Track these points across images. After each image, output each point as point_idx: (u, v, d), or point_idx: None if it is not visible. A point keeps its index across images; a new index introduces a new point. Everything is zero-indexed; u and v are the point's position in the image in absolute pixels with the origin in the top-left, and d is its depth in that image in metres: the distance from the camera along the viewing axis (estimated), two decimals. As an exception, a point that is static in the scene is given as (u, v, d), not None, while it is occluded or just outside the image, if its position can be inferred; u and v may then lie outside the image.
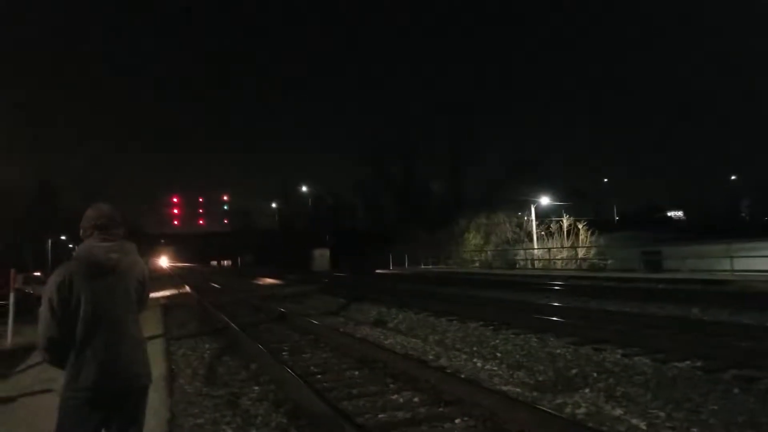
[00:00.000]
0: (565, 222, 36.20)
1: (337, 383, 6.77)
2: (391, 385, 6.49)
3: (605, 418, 5.15)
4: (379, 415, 5.39)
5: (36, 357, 8.39)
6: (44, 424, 2.95)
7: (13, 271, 11.67)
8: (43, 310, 2.54)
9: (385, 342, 9.68)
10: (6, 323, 11.39)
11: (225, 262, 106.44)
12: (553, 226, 36.94)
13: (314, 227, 63.89)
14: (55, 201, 51.48)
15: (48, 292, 2.55)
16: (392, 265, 43.82)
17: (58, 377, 2.62)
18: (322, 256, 53.53)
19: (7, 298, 11.78)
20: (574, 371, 7.01)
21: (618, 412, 5.31)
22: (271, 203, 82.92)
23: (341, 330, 11.23)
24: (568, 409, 5.42)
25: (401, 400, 5.92)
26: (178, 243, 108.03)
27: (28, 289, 18.56)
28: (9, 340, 11.05)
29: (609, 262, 30.79)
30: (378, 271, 41.64)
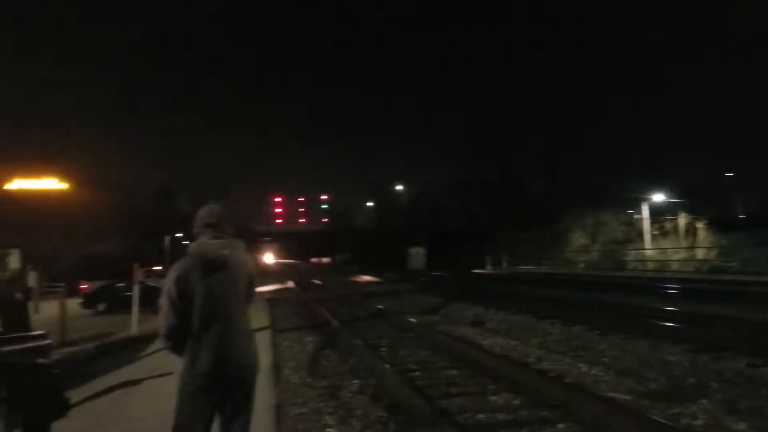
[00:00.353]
0: (682, 220, 33.48)
1: (435, 381, 6.75)
2: (491, 386, 6.37)
3: (727, 432, 4.73)
4: (479, 416, 5.31)
5: (157, 344, 9.13)
6: (166, 405, 3.19)
7: (136, 265, 12.68)
8: (163, 302, 2.73)
9: (484, 342, 9.52)
10: (132, 313, 12.47)
11: (324, 259, 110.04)
12: (668, 225, 34.33)
13: (410, 226, 64.17)
14: (173, 201, 55.75)
15: (167, 285, 2.74)
16: (489, 265, 42.98)
17: (177, 362, 2.78)
18: (417, 255, 53.64)
19: (131, 290, 12.91)
20: (690, 380, 6.51)
21: (741, 426, 4.86)
22: (368, 202, 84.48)
23: (439, 329, 11.21)
24: (684, 420, 5.04)
25: (501, 401, 5.80)
26: (281, 241, 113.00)
27: (150, 282, 20.11)
28: (134, 328, 12.09)
29: (732, 264, 28.15)
30: (474, 271, 41.04)
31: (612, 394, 5.94)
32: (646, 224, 34.92)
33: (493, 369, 7.06)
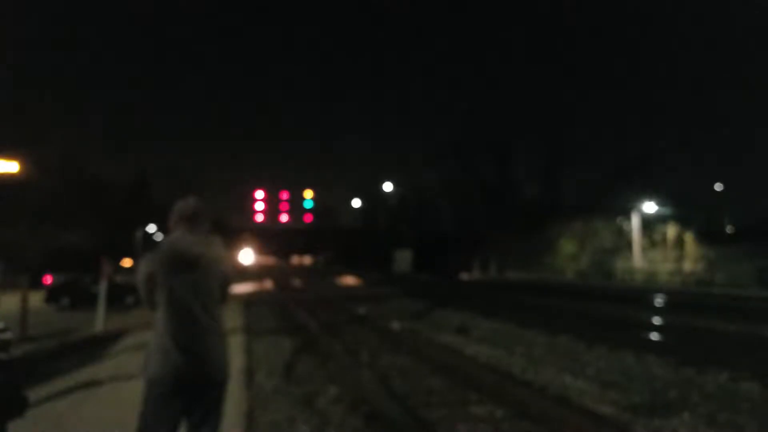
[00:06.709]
0: (671, 232, 33.57)
1: (416, 390, 6.57)
2: (473, 396, 6.20)
3: (708, 448, 4.59)
4: (459, 426, 5.14)
5: (123, 344, 8.86)
6: (130, 407, 3.05)
7: (103, 258, 12.09)
8: (141, 291, 2.71)
9: (468, 351, 9.35)
10: (98, 309, 11.96)
11: (307, 258, 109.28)
12: (657, 236, 34.40)
13: (397, 227, 63.66)
14: (148, 192, 53.77)
15: (139, 279, 2.68)
16: (478, 270, 42.93)
17: (143, 363, 2.63)
18: (404, 258, 53.36)
19: (98, 285, 12.37)
20: (673, 393, 6.40)
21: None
22: (353, 201, 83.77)
23: (422, 335, 11.04)
24: (665, 434, 4.90)
25: (483, 412, 5.62)
26: (262, 238, 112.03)
27: (117, 279, 19.37)
28: (99, 326, 11.66)
29: (719, 277, 28.40)
30: (462, 275, 40.98)
31: (595, 406, 5.80)
32: (636, 234, 35.01)
33: (477, 378, 6.90)
